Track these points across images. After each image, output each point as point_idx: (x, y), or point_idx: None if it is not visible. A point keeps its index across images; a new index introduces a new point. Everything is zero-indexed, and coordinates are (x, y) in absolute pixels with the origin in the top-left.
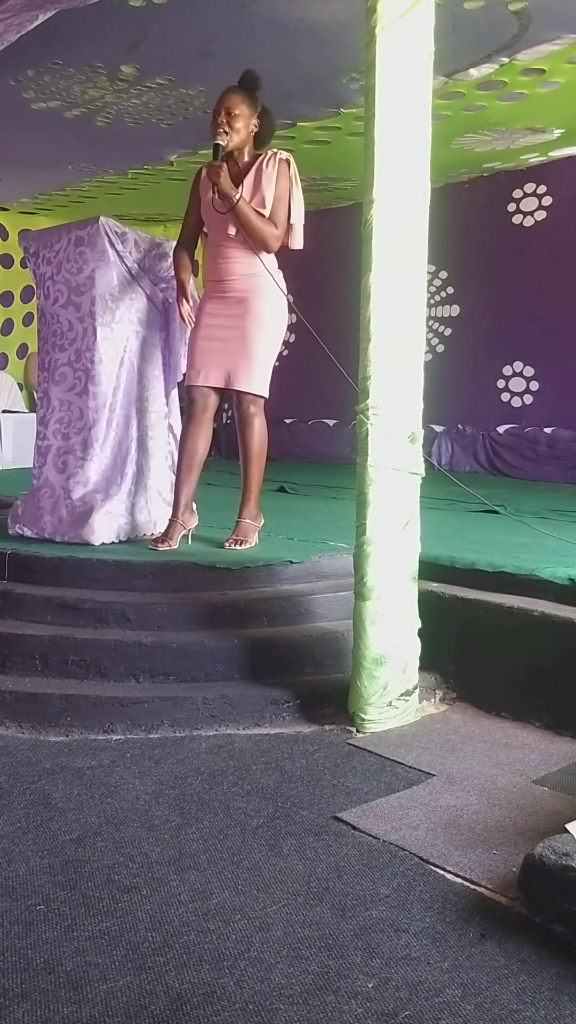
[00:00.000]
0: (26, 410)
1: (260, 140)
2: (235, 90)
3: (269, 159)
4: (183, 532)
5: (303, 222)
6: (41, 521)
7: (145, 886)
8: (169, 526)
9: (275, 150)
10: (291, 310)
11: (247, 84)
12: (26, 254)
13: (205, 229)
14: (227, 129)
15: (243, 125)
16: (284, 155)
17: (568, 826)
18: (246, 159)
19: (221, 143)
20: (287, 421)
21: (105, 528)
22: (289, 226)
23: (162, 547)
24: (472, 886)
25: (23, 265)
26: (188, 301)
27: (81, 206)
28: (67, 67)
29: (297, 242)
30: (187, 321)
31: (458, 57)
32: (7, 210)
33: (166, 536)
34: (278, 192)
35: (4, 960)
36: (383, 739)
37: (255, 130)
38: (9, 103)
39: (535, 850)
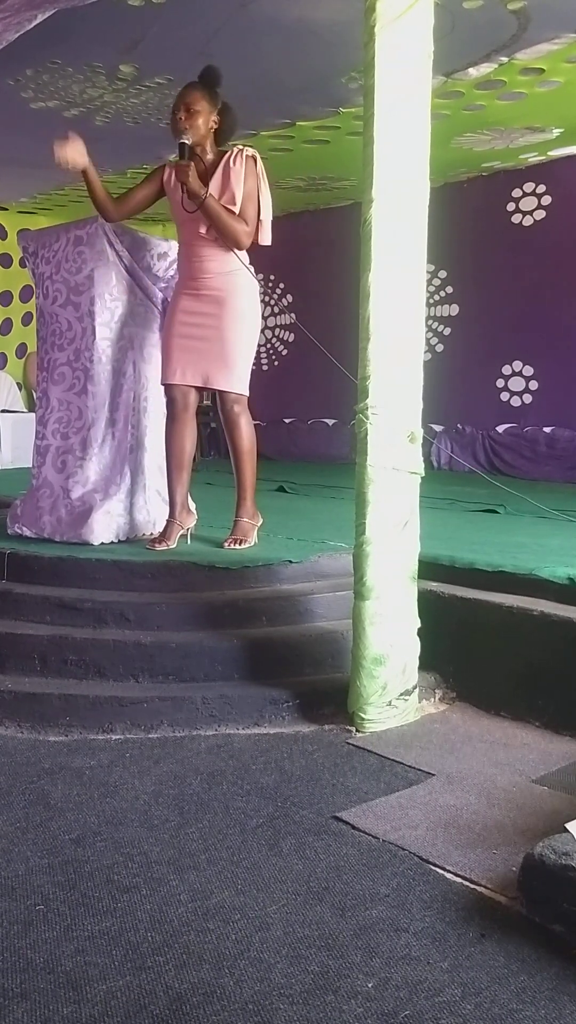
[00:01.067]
0: (25, 410)
1: (221, 137)
2: (194, 86)
3: (236, 156)
4: (181, 532)
5: (271, 218)
6: (40, 521)
7: (144, 886)
8: (166, 526)
9: (241, 147)
10: (289, 310)
11: (207, 80)
12: (25, 254)
13: (177, 228)
14: (187, 127)
15: (203, 122)
16: (250, 151)
17: (568, 825)
18: (210, 156)
19: (187, 142)
20: (286, 421)
21: (104, 528)
22: (258, 222)
23: (160, 547)
24: (472, 886)
25: (22, 265)
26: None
27: (80, 206)
28: (66, 66)
29: (266, 238)
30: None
31: (457, 56)
32: (6, 210)
33: (163, 536)
34: (247, 189)
35: (3, 960)
36: (383, 739)
37: (215, 126)
38: (8, 103)
39: (535, 850)
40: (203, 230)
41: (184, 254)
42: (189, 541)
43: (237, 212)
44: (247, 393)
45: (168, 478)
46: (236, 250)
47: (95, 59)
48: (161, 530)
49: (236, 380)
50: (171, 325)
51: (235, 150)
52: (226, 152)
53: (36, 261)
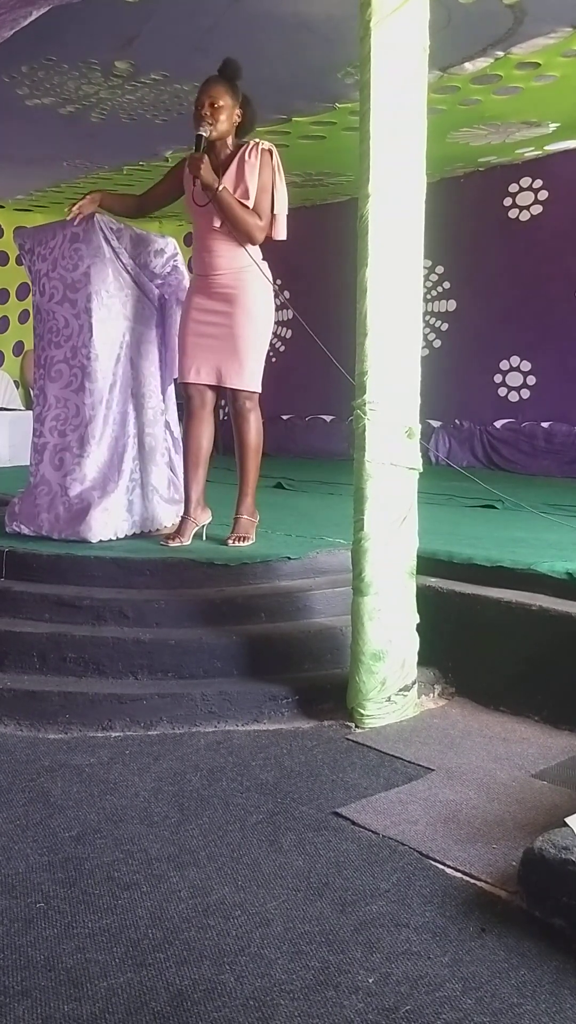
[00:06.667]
0: (23, 407)
1: (242, 130)
2: (217, 80)
3: (251, 149)
4: (195, 528)
5: (286, 212)
6: (38, 519)
7: (145, 883)
8: (181, 523)
9: (257, 140)
10: (287, 307)
11: (228, 74)
12: (21, 251)
13: (192, 223)
14: (211, 121)
15: (226, 116)
16: (266, 145)
17: (568, 820)
18: (229, 149)
19: (204, 135)
20: (284, 417)
21: (102, 525)
22: (272, 217)
23: (173, 543)
24: (472, 880)
25: (18, 262)
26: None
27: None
28: (61, 63)
29: (281, 233)
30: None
31: (453, 51)
32: (2, 207)
33: (178, 533)
34: (261, 183)
35: (4, 957)
36: (382, 734)
37: (238, 120)
38: (3, 100)
39: (535, 844)
40: (216, 223)
41: (197, 249)
42: (204, 537)
43: (251, 206)
44: (259, 390)
45: (184, 475)
46: (249, 245)
47: (91, 56)
48: (174, 526)
49: (247, 378)
50: (185, 323)
51: (251, 143)
52: (242, 145)
53: (32, 258)
